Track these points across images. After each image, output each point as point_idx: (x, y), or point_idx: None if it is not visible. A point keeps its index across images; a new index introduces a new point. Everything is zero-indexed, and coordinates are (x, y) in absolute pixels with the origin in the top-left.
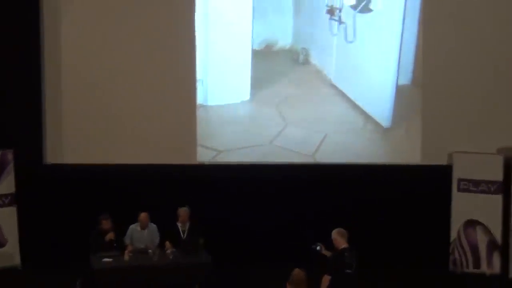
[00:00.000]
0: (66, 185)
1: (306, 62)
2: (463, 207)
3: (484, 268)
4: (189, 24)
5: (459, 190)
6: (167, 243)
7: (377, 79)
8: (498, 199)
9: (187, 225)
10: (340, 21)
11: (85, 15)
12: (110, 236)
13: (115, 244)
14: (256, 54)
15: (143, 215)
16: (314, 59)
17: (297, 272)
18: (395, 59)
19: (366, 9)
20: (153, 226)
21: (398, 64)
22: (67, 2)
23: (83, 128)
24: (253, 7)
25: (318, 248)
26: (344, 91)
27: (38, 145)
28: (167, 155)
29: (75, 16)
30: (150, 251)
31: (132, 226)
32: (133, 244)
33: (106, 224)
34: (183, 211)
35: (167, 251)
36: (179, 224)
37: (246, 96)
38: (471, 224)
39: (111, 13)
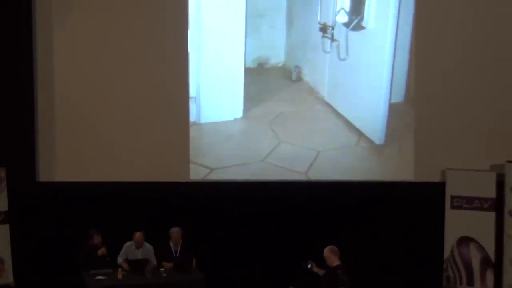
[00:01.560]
0: (59, 203)
1: (299, 79)
2: (456, 224)
3: (477, 285)
4: (182, 42)
5: (452, 207)
6: (164, 263)
7: (370, 96)
8: (491, 216)
9: (180, 244)
10: (332, 39)
11: (78, 32)
12: (102, 251)
13: (107, 259)
14: (249, 71)
15: (138, 234)
16: (307, 77)
17: None
18: (387, 76)
19: (358, 27)
20: (149, 246)
21: (390, 82)
22: (60, 18)
23: (75, 146)
24: (246, 25)
25: (309, 266)
26: (337, 108)
27: (31, 163)
28: (160, 173)
29: (68, 32)
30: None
31: (127, 244)
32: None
33: (97, 238)
34: (176, 232)
35: (161, 269)
36: (171, 244)
37: (239, 113)
38: (464, 241)
39: (104, 30)
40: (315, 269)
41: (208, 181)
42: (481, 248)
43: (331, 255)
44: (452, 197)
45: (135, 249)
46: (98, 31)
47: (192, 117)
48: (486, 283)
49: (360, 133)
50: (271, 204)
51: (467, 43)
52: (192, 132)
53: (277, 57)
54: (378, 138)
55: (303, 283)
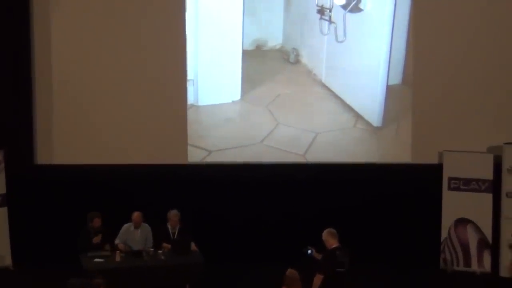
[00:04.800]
0: (57, 186)
1: (297, 61)
2: (454, 205)
3: (474, 266)
4: (180, 24)
5: (449, 188)
6: (164, 244)
7: (367, 78)
8: (488, 197)
9: (177, 227)
10: (330, 21)
11: (75, 16)
12: (97, 239)
13: (104, 246)
14: (246, 54)
15: (136, 214)
16: (304, 59)
17: (290, 272)
18: (385, 58)
19: (356, 9)
20: (146, 226)
21: (388, 64)
22: (57, 2)
23: (73, 129)
24: (244, 7)
25: (309, 252)
26: (335, 90)
27: (29, 146)
28: (158, 155)
29: (65, 16)
30: (144, 252)
31: (125, 226)
32: (126, 244)
33: (97, 222)
34: (173, 214)
35: (159, 251)
36: (169, 227)
37: (237, 96)
38: (461, 222)
39: (101, 13)
40: (315, 254)
41: (206, 163)
42: (478, 229)
43: (329, 238)
44: (450, 179)
45: (134, 229)
46: (95, 13)
47: (190, 100)
48: (483, 264)
49: (357, 115)
50: (269, 186)
51: (466, 24)
52: (190, 114)
53: (275, 40)
54: (375, 120)
55: (301, 265)
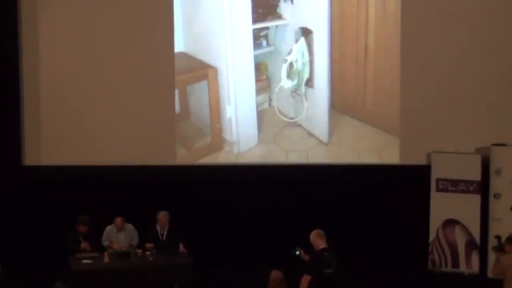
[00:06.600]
0: (45, 187)
1: None
2: (442, 206)
3: (463, 267)
4: (169, 24)
5: (437, 190)
6: (148, 244)
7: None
8: (476, 198)
9: (166, 228)
10: None
11: (64, 16)
12: (84, 245)
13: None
14: None
15: (118, 220)
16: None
17: (275, 274)
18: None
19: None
20: (130, 227)
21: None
22: (45, 2)
23: (61, 130)
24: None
25: (297, 252)
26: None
27: (16, 147)
28: (147, 156)
29: (53, 17)
30: (132, 253)
31: (108, 228)
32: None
33: (83, 228)
34: (162, 215)
35: (147, 253)
36: (158, 227)
37: None
38: (449, 223)
39: (90, 13)
40: (303, 255)
41: (195, 165)
42: (466, 230)
43: (317, 239)
44: (438, 180)
45: (117, 232)
46: (84, 14)
47: None
48: (471, 265)
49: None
50: (256, 187)
51: (454, 26)
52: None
53: None
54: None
55: (289, 266)
